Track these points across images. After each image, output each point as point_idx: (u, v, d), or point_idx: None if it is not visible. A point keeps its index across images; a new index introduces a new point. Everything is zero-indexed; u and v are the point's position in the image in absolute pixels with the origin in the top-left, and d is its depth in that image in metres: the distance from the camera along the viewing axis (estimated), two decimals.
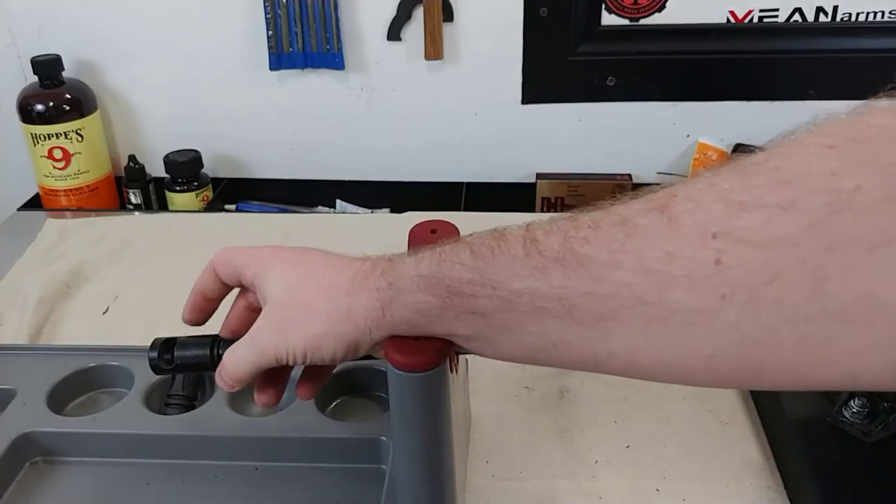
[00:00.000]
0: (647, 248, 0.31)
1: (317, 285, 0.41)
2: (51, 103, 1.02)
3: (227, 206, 1.12)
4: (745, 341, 0.30)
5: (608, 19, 1.00)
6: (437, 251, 0.38)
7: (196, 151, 1.08)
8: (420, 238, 0.45)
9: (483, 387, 0.64)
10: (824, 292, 0.28)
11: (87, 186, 1.06)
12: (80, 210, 1.04)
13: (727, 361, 0.31)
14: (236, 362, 0.44)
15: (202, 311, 0.48)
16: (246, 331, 0.45)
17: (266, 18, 1.01)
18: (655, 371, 0.34)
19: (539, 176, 1.08)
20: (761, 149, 0.31)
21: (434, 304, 0.37)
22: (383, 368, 0.41)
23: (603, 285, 0.32)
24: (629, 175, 1.08)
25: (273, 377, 0.47)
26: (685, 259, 0.30)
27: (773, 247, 0.28)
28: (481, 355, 0.39)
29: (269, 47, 1.03)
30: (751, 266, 0.29)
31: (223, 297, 0.48)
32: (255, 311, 0.46)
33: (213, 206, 1.08)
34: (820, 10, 0.98)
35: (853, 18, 0.98)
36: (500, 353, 0.38)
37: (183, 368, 0.47)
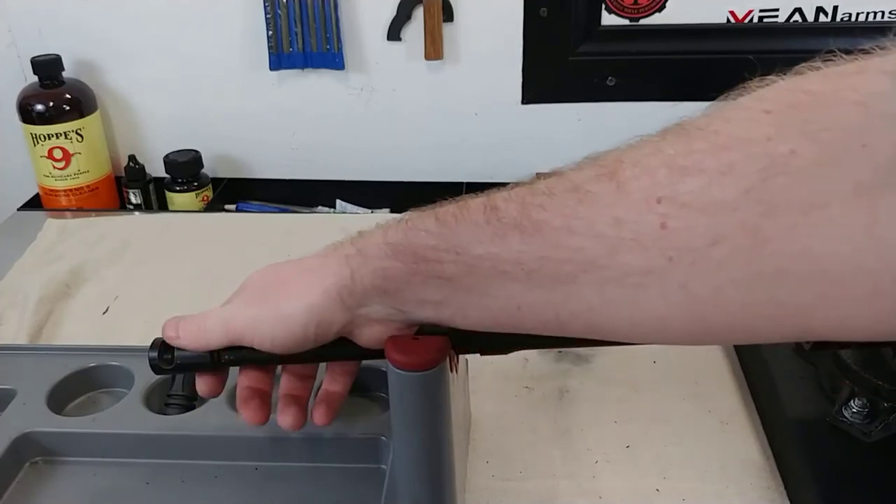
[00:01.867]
0: (597, 214, 0.32)
1: (294, 266, 0.43)
2: (51, 103, 1.02)
3: (227, 206, 1.12)
4: (694, 301, 0.31)
5: (608, 19, 1.00)
6: (403, 220, 0.39)
7: (196, 151, 1.07)
8: None
9: (483, 387, 0.64)
10: (764, 254, 0.29)
11: (87, 186, 1.06)
12: (80, 210, 1.04)
13: (680, 321, 0.33)
14: (201, 324, 0.44)
15: (260, 405, 0.47)
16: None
17: (266, 18, 1.01)
18: (614, 331, 0.35)
19: (539, 176, 1.08)
20: (702, 114, 0.32)
21: (401, 269, 0.38)
22: (383, 368, 0.41)
23: (558, 249, 0.33)
24: None
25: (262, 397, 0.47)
26: (633, 223, 0.31)
27: (713, 210, 0.29)
28: (453, 326, 0.40)
29: (269, 47, 1.03)
30: (694, 229, 0.30)
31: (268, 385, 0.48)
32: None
33: (213, 206, 1.08)
34: (820, 10, 0.98)
35: (853, 18, 0.98)
36: (469, 318, 0.39)
37: (183, 368, 0.47)
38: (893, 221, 0.26)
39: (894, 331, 0.28)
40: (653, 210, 0.31)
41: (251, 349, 0.45)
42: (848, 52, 0.30)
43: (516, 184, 0.37)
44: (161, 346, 0.46)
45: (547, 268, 0.34)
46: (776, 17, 0.99)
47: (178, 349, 0.46)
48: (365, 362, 0.56)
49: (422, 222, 0.38)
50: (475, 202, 0.37)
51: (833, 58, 0.30)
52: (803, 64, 0.30)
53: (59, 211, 1.04)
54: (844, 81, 0.29)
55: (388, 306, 0.40)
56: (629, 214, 0.31)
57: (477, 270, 0.36)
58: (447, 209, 0.38)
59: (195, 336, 0.45)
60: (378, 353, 0.42)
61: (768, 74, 0.31)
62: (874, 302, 0.28)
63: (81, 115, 1.03)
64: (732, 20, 0.99)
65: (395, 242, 0.38)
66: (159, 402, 0.56)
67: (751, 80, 0.32)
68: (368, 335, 0.42)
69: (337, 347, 0.44)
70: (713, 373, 0.66)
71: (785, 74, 0.31)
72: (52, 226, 0.93)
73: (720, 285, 0.30)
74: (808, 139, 0.28)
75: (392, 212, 1.08)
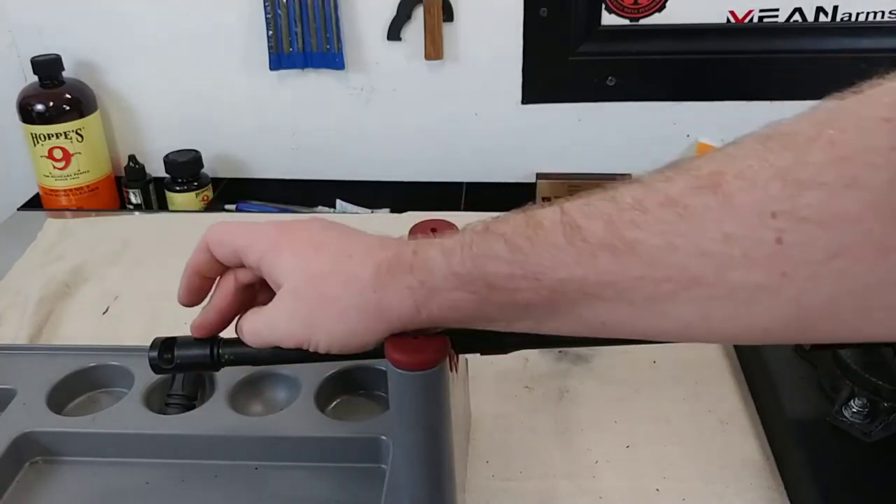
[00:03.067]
0: (702, 230, 0.31)
1: (340, 277, 0.40)
2: (51, 103, 1.02)
3: (227, 207, 1.12)
4: (805, 314, 0.30)
5: (608, 19, 1.00)
6: (466, 243, 0.36)
7: (196, 151, 1.07)
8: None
9: (483, 387, 0.64)
10: (887, 263, 0.28)
11: (87, 186, 1.06)
12: (80, 210, 1.04)
13: (785, 330, 0.31)
14: (253, 338, 0.43)
15: (199, 290, 0.46)
16: (235, 311, 0.45)
17: (266, 18, 1.01)
18: (705, 339, 0.34)
19: (539, 176, 1.08)
20: (803, 118, 0.31)
21: (473, 300, 0.36)
22: (383, 368, 0.41)
23: (657, 268, 0.32)
24: (629, 175, 1.08)
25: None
26: (744, 239, 0.30)
27: (836, 224, 0.28)
28: (520, 332, 0.38)
29: (269, 47, 1.03)
30: (814, 244, 0.29)
31: (219, 274, 0.46)
32: (247, 289, 0.45)
33: (213, 206, 1.08)
34: (820, 10, 0.98)
35: (853, 18, 0.98)
36: (543, 331, 0.37)
37: (183, 368, 0.47)
38: None
39: None
40: (767, 225, 0.29)
41: (252, 349, 0.45)
42: None
43: (588, 194, 0.35)
44: (161, 346, 0.46)
45: (643, 288, 0.32)
46: (776, 17, 0.99)
47: (178, 349, 0.46)
48: (365, 362, 0.57)
49: (489, 247, 0.35)
50: (548, 219, 0.35)
51: None
52: None
53: (59, 211, 1.04)
54: None
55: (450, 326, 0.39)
56: (740, 230, 0.30)
57: (559, 295, 0.34)
58: (516, 229, 0.35)
59: (257, 344, 0.44)
60: (378, 353, 0.42)
61: (877, 75, 0.30)
62: None
63: (81, 115, 1.03)
64: (732, 20, 0.99)
65: (463, 273, 0.36)
66: (159, 402, 0.56)
67: (860, 82, 0.30)
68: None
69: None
70: (713, 373, 0.66)
71: (889, 75, 0.30)
72: (52, 226, 0.93)
73: (835, 296, 0.29)
74: None
75: (392, 212, 1.08)
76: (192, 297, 0.47)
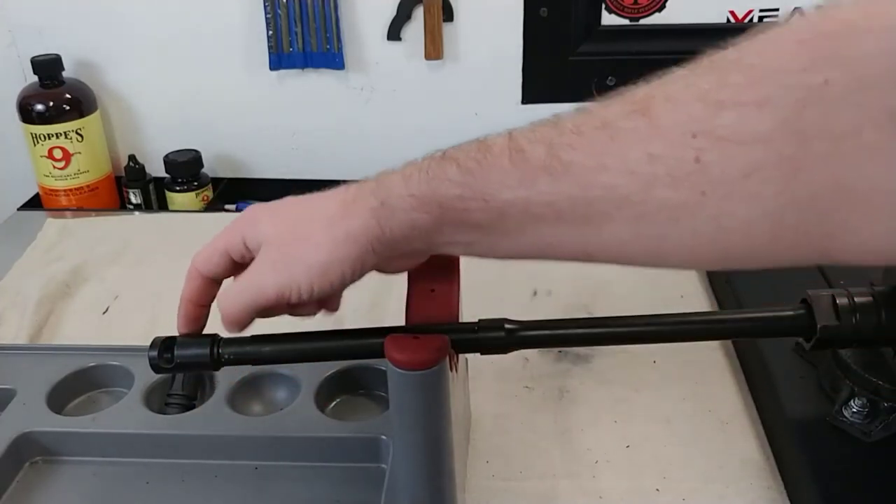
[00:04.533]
0: (630, 151, 0.33)
1: (309, 219, 0.41)
2: (51, 103, 1.02)
3: (227, 206, 1.12)
4: (724, 232, 0.32)
5: (608, 19, 1.00)
6: (423, 168, 0.39)
7: (196, 151, 1.07)
8: None
9: (483, 387, 0.64)
10: (796, 183, 0.29)
11: (87, 186, 1.06)
12: (80, 210, 1.04)
13: (707, 250, 0.33)
14: (233, 304, 0.43)
15: (197, 318, 0.47)
16: (207, 296, 0.46)
17: (266, 18, 1.01)
18: (642, 261, 0.36)
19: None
20: (731, 46, 0.32)
21: (429, 219, 0.38)
22: (383, 367, 0.41)
23: (590, 188, 0.34)
24: None
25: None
26: (667, 158, 0.32)
27: (749, 143, 0.30)
28: (480, 257, 0.40)
29: (269, 47, 1.03)
30: (729, 163, 0.30)
31: (213, 299, 0.47)
32: (214, 283, 0.46)
33: (213, 206, 1.08)
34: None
35: None
36: (497, 255, 0.39)
37: (183, 367, 0.47)
38: None
39: None
40: (688, 144, 0.31)
41: (252, 348, 0.45)
42: None
43: (538, 123, 0.37)
44: (161, 346, 0.46)
45: (578, 207, 0.34)
46: (776, 17, 0.99)
47: (178, 348, 0.46)
48: (365, 362, 0.57)
49: (443, 171, 0.38)
50: (497, 145, 0.37)
51: None
52: None
53: (59, 211, 1.04)
54: (876, 8, 0.29)
55: (417, 248, 0.40)
56: (664, 150, 0.32)
57: (506, 215, 0.36)
58: (468, 154, 0.37)
59: (240, 318, 0.43)
60: (378, 353, 0.42)
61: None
62: None
63: (81, 115, 1.03)
64: (732, 20, 0.99)
65: (419, 195, 0.38)
66: (159, 401, 0.56)
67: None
68: (395, 267, 0.43)
69: (336, 347, 0.44)
70: (713, 373, 0.66)
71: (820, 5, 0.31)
72: (52, 226, 0.93)
73: (751, 217, 0.31)
74: (840, 68, 0.28)
75: None
76: (192, 325, 0.48)
